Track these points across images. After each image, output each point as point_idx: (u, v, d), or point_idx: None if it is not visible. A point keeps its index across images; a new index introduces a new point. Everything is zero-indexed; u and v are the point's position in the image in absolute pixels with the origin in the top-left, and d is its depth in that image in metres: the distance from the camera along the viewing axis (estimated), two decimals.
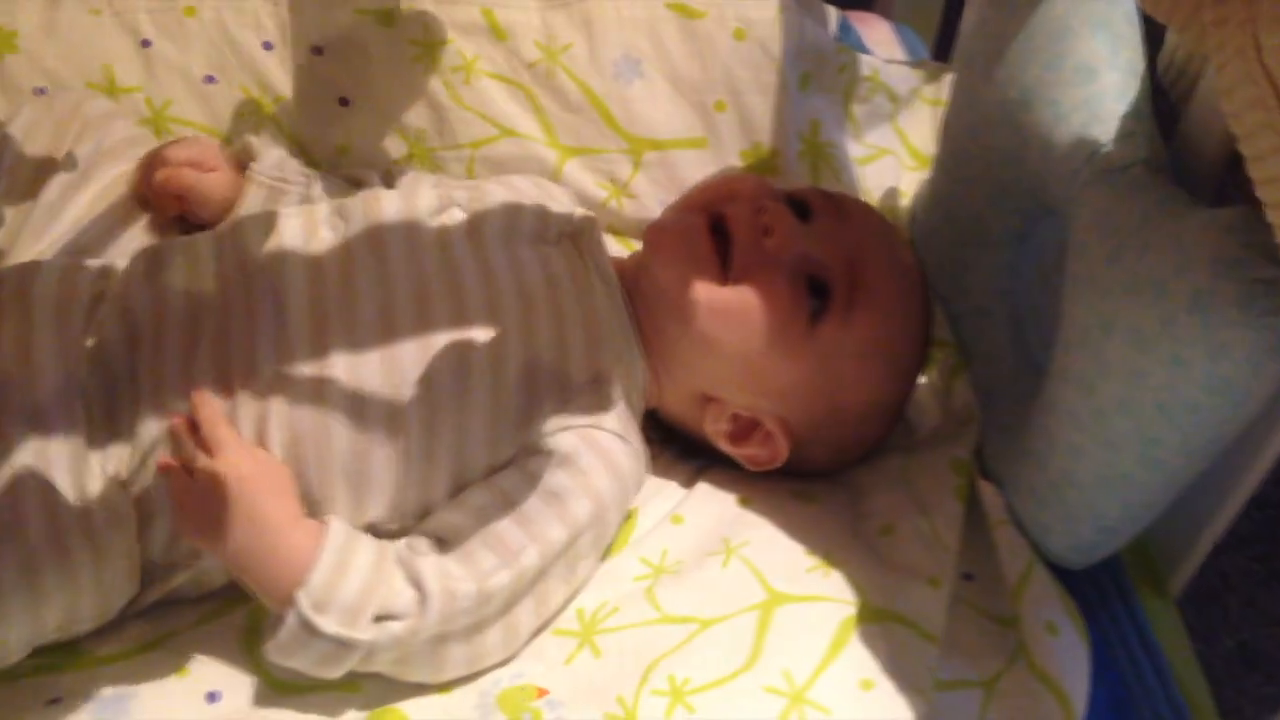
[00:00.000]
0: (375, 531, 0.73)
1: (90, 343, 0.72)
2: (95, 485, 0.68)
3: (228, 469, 0.67)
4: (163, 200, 0.85)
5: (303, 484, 0.70)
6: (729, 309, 0.76)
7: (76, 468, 0.68)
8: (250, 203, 0.85)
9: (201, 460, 0.68)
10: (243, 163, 0.87)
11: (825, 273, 0.77)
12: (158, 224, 0.86)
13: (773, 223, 0.77)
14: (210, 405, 0.69)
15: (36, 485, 0.67)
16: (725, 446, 0.80)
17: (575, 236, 0.82)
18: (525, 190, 0.86)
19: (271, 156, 0.87)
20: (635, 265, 0.82)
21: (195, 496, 0.67)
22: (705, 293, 0.76)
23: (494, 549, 0.68)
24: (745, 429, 0.80)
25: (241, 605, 0.73)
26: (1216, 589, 1.21)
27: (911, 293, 0.82)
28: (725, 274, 0.77)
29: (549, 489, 0.70)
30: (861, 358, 0.79)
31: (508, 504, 0.70)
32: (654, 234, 0.81)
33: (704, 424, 0.81)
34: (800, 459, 0.81)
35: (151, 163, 0.85)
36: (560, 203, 0.86)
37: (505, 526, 0.69)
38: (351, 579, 0.65)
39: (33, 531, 0.66)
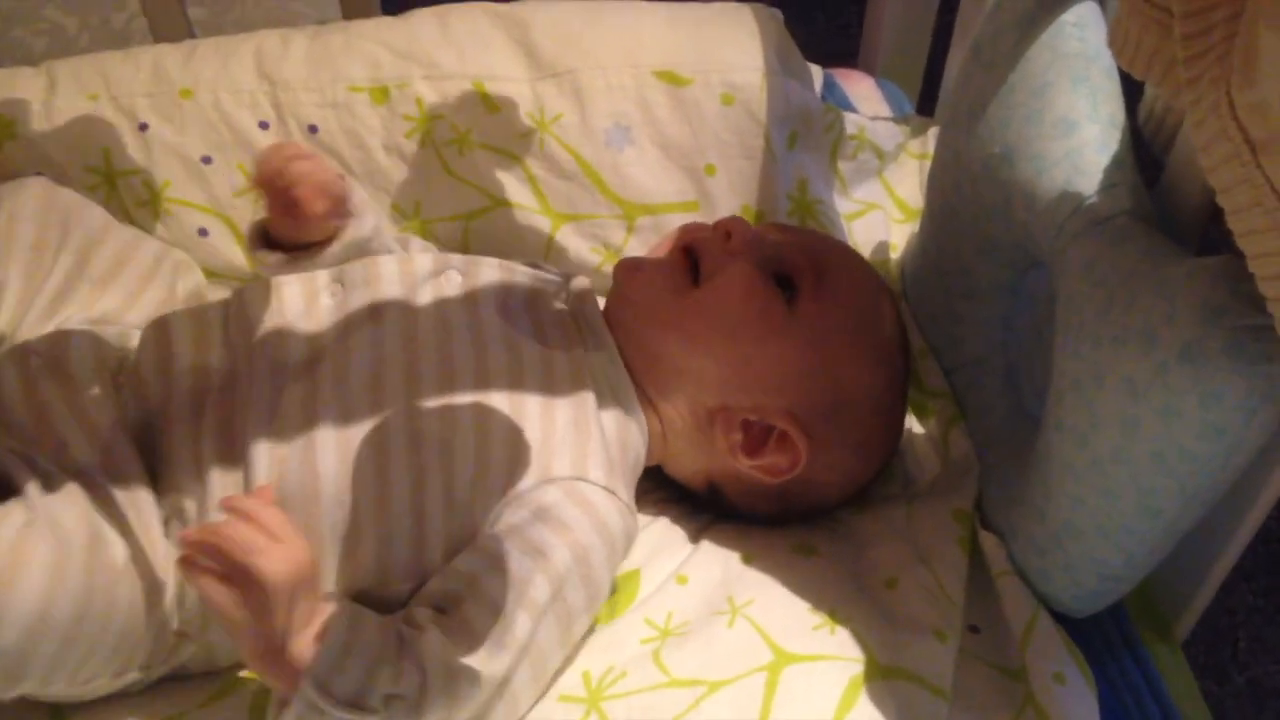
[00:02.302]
0: (369, 596, 0.73)
1: (116, 407, 0.73)
2: (136, 540, 0.69)
3: (274, 569, 0.63)
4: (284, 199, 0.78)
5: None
6: (707, 301, 0.79)
7: (123, 520, 0.69)
8: (330, 255, 0.82)
9: (247, 555, 0.63)
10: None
11: (788, 265, 0.81)
12: (166, 297, 0.87)
13: (731, 227, 0.82)
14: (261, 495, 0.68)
15: (86, 533, 0.67)
16: (743, 461, 0.79)
17: (571, 301, 0.83)
18: (521, 268, 0.87)
19: (368, 224, 0.83)
20: (611, 308, 0.84)
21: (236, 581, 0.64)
22: (680, 293, 0.80)
23: (487, 612, 0.68)
24: (758, 437, 0.79)
25: (249, 683, 0.73)
26: (1225, 626, 1.20)
27: (875, 281, 0.86)
28: (697, 282, 0.81)
29: (532, 544, 0.70)
30: (848, 334, 0.80)
31: (495, 565, 0.69)
32: (622, 264, 0.85)
33: (716, 445, 0.80)
34: (822, 466, 0.80)
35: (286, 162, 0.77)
36: (556, 274, 0.87)
37: (495, 589, 0.69)
38: (356, 662, 0.64)
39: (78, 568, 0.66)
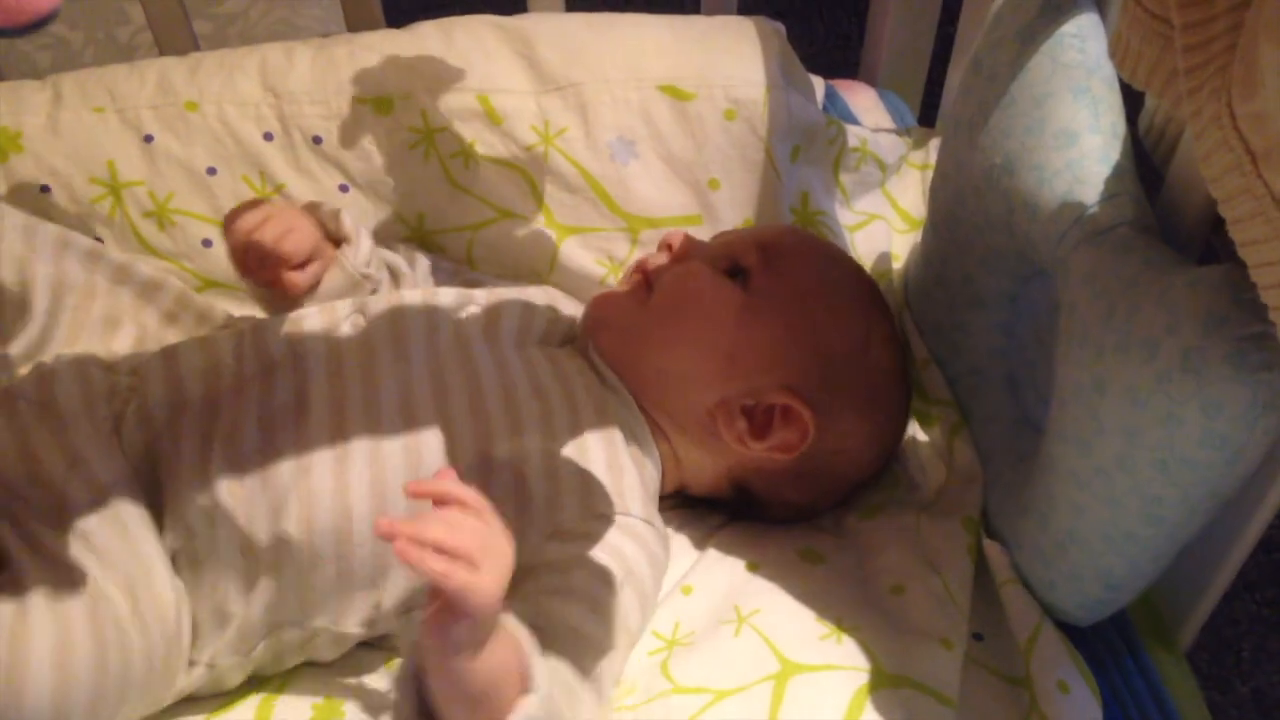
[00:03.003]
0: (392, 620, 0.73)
1: (112, 440, 0.72)
2: (138, 586, 0.68)
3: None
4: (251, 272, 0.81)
5: (321, 576, 0.71)
6: (665, 304, 0.82)
7: (147, 546, 0.68)
8: (329, 287, 0.83)
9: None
10: (330, 233, 0.85)
11: (732, 255, 0.84)
12: (150, 320, 0.87)
13: (669, 240, 0.86)
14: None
15: (85, 599, 0.66)
16: (754, 447, 0.80)
17: (583, 337, 0.85)
18: (536, 296, 0.88)
19: (364, 248, 0.85)
20: (594, 338, 0.85)
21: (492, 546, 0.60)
22: (642, 305, 0.83)
23: (573, 640, 0.68)
24: (762, 419, 0.80)
25: (246, 700, 0.73)
26: (1229, 636, 1.20)
27: (828, 246, 0.89)
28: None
29: (596, 572, 0.70)
30: (811, 295, 0.82)
31: (568, 594, 0.69)
32: (592, 299, 0.88)
33: (725, 442, 0.80)
34: (834, 433, 0.81)
35: (247, 237, 0.79)
36: (568, 307, 0.88)
37: (577, 618, 0.68)
38: (560, 694, 0.63)
39: (118, 613, 0.66)
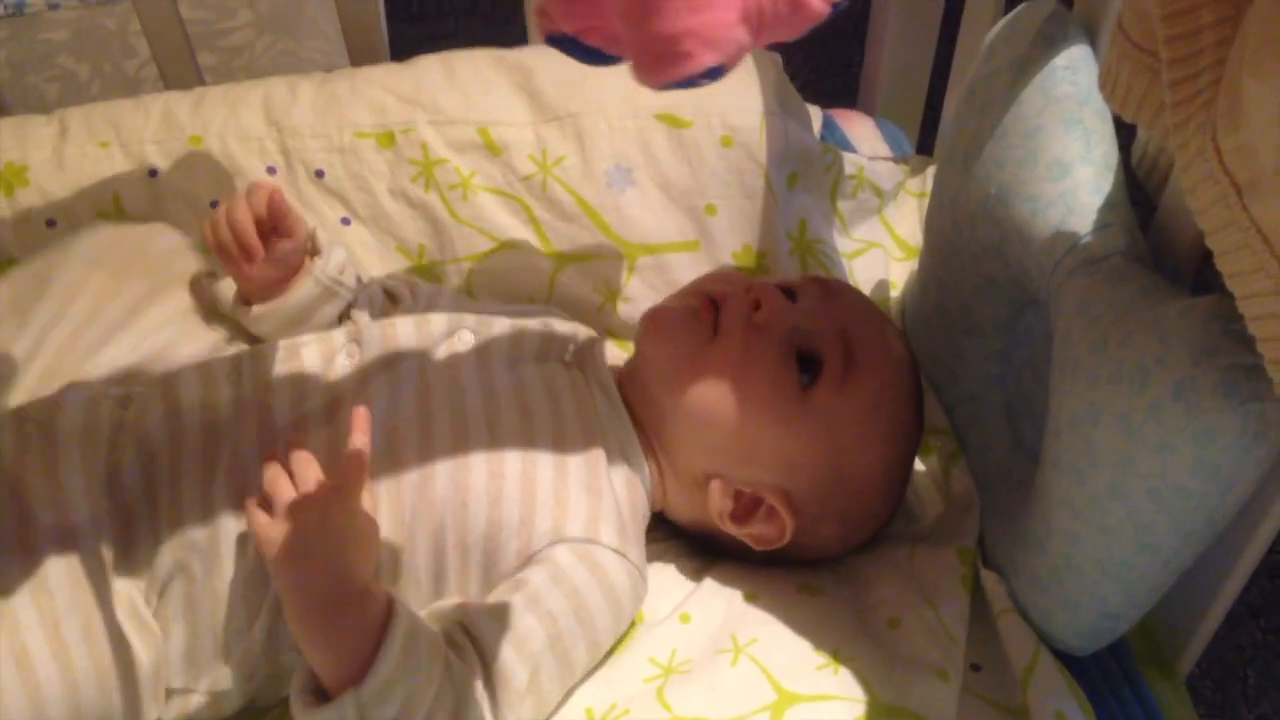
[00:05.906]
0: None
1: (106, 472, 0.73)
2: (122, 608, 0.70)
3: (328, 508, 0.68)
4: (227, 246, 0.83)
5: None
6: (722, 374, 0.78)
7: (103, 591, 0.69)
8: (300, 296, 0.84)
9: (307, 494, 0.69)
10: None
11: (817, 343, 0.79)
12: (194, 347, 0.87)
13: (761, 298, 0.80)
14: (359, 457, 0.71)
15: (70, 598, 0.68)
16: (730, 527, 0.80)
17: (579, 355, 0.84)
18: (531, 315, 0.87)
19: (336, 258, 0.86)
20: (629, 361, 0.84)
21: (295, 529, 0.67)
22: (697, 356, 0.78)
23: (487, 663, 0.69)
24: (748, 507, 0.80)
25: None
26: (1233, 663, 1.20)
27: (903, 364, 0.84)
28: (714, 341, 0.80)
29: (543, 606, 0.71)
30: (860, 425, 0.79)
31: (501, 620, 0.70)
32: (649, 314, 0.83)
33: (707, 504, 0.80)
34: (809, 537, 0.80)
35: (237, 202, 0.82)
36: (565, 326, 0.87)
37: (497, 642, 0.69)
38: (398, 692, 0.64)
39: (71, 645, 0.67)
